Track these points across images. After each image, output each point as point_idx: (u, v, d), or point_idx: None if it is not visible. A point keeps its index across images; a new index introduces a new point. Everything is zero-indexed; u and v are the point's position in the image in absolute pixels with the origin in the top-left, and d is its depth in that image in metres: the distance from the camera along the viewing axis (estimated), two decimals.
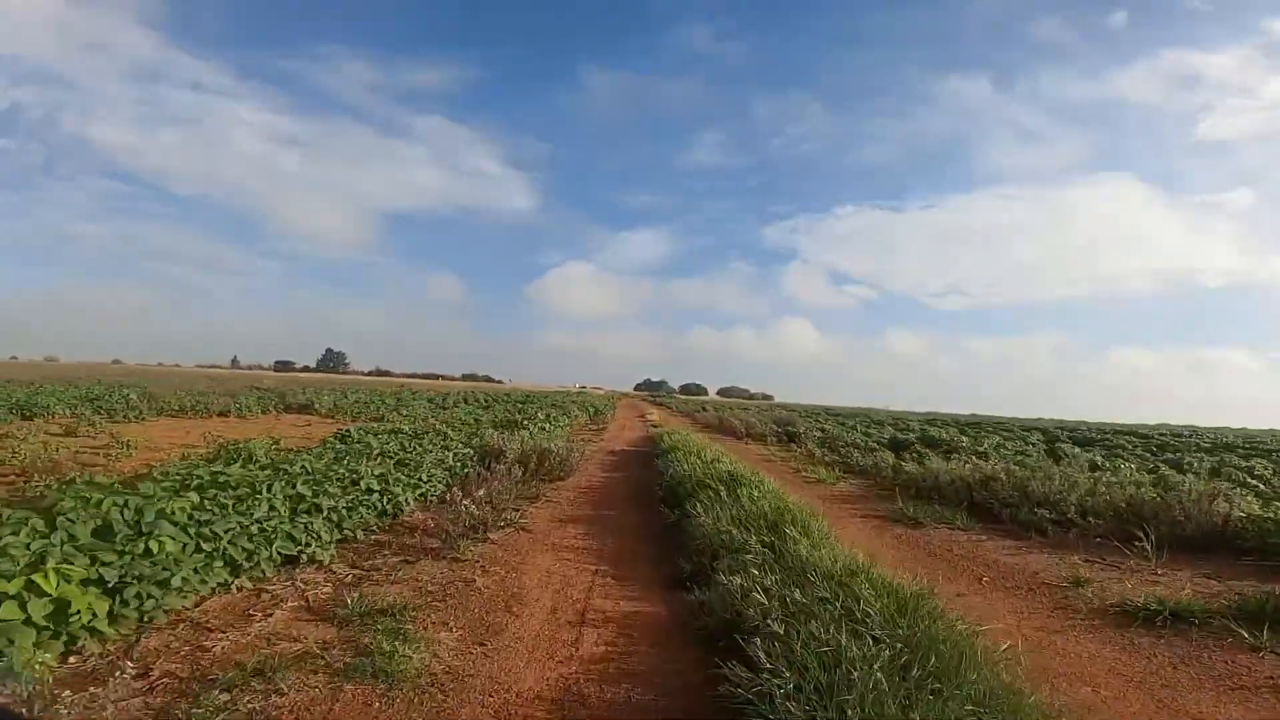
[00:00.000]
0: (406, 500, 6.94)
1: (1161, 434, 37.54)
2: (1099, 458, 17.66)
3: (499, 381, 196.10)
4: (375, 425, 14.39)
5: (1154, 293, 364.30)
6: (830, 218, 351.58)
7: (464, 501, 6.63)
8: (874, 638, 3.25)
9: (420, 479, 7.69)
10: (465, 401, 30.47)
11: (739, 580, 4.14)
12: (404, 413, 21.29)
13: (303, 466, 6.33)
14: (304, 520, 5.20)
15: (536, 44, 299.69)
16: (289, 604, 4.29)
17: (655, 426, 23.11)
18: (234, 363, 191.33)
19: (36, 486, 6.50)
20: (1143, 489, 8.37)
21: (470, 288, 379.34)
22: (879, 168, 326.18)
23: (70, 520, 3.76)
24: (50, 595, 3.19)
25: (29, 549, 3.36)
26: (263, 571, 4.65)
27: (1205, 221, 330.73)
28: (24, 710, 2.62)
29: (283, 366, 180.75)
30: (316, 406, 22.38)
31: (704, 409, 44.26)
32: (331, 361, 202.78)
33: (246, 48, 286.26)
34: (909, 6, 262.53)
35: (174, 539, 4.03)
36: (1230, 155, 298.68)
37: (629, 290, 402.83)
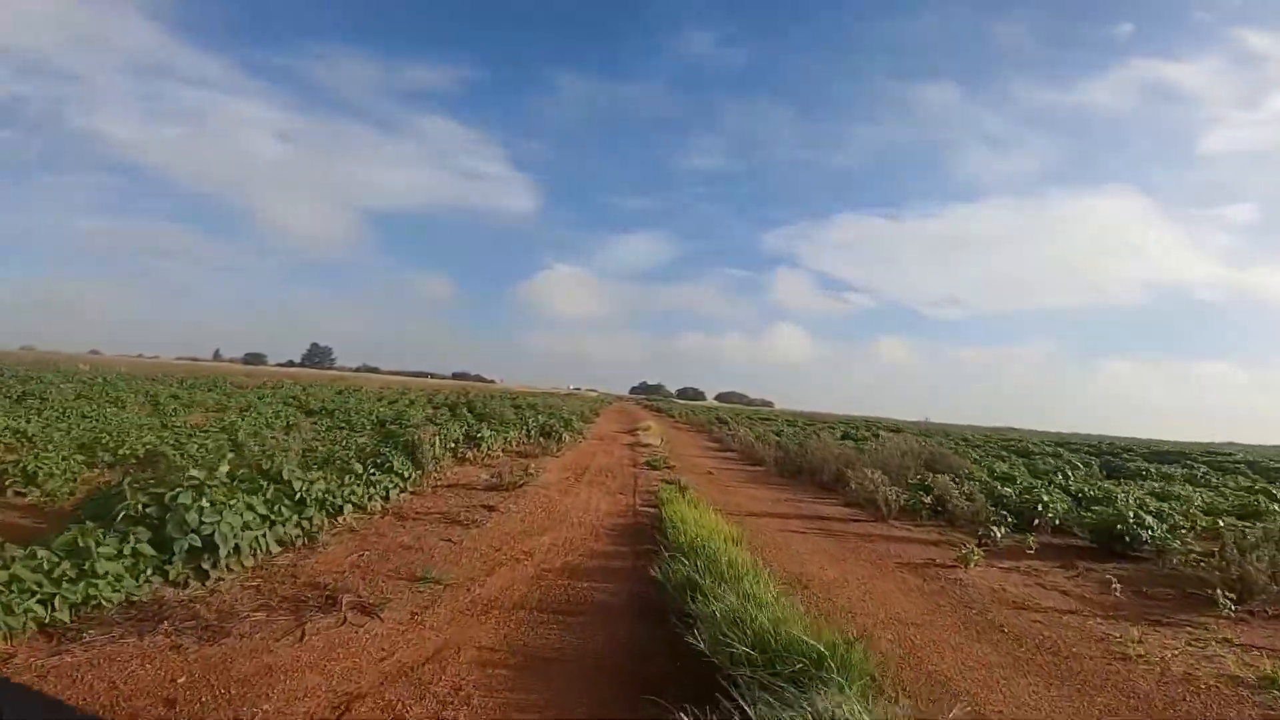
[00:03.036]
0: None
1: (1215, 454, 32.43)
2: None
3: (491, 381, 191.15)
4: None
5: (1146, 304, 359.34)
6: (829, 225, 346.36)
7: None
8: None
9: None
10: (338, 421, 24.85)
11: None
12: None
13: None
14: None
15: (537, 46, 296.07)
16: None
17: (656, 461, 14.89)
18: (216, 356, 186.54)
19: None
20: None
21: (464, 287, 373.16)
22: (878, 175, 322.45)
23: None
24: None
25: None
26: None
27: (1201, 235, 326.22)
28: None
29: (253, 360, 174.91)
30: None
31: (722, 421, 34.73)
32: (316, 357, 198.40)
33: (248, 45, 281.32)
34: (911, 15, 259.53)
35: None
36: (1230, 169, 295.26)
37: (624, 293, 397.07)
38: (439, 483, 10.13)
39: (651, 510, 8.95)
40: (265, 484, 5.85)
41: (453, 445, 12.46)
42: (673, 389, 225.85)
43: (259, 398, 23.09)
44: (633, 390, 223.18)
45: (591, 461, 14.56)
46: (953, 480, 11.10)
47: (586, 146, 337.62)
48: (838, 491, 12.29)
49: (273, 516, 5.53)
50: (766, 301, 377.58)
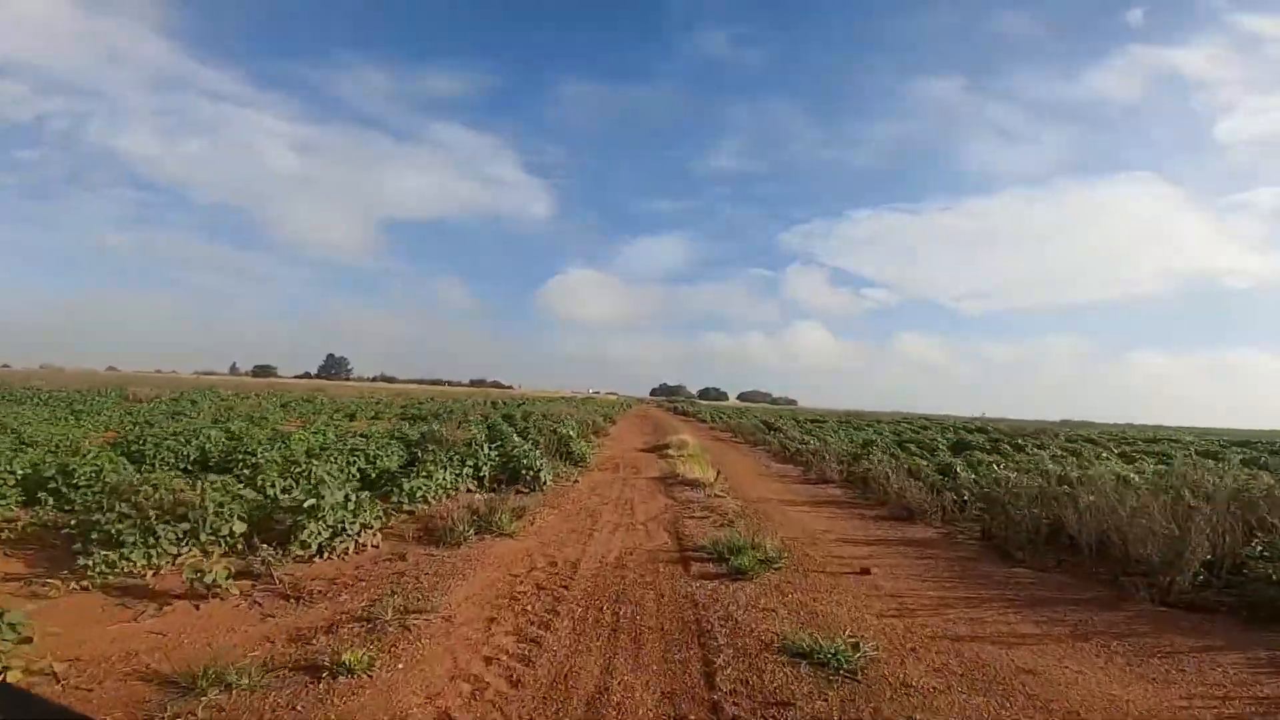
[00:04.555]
0: None
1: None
2: None
3: (509, 387, 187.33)
4: None
5: (1175, 294, 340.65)
6: (847, 221, 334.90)
7: None
8: None
9: None
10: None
11: None
12: None
13: None
14: None
15: (551, 51, 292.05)
16: None
17: (739, 547, 6.04)
18: (233, 369, 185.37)
19: None
20: None
21: (482, 294, 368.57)
22: (894, 171, 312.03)
23: None
24: None
25: None
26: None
27: (1229, 222, 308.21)
28: None
29: (262, 372, 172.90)
30: None
31: (771, 427, 25.81)
32: (333, 368, 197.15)
33: (263, 57, 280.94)
34: (919, 10, 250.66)
35: None
36: (1255, 155, 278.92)
37: (642, 295, 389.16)
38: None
39: None
40: None
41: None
42: (694, 390, 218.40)
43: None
44: (653, 392, 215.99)
45: (589, 543, 6.78)
46: None
47: (604, 150, 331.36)
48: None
49: None
50: (786, 300, 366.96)
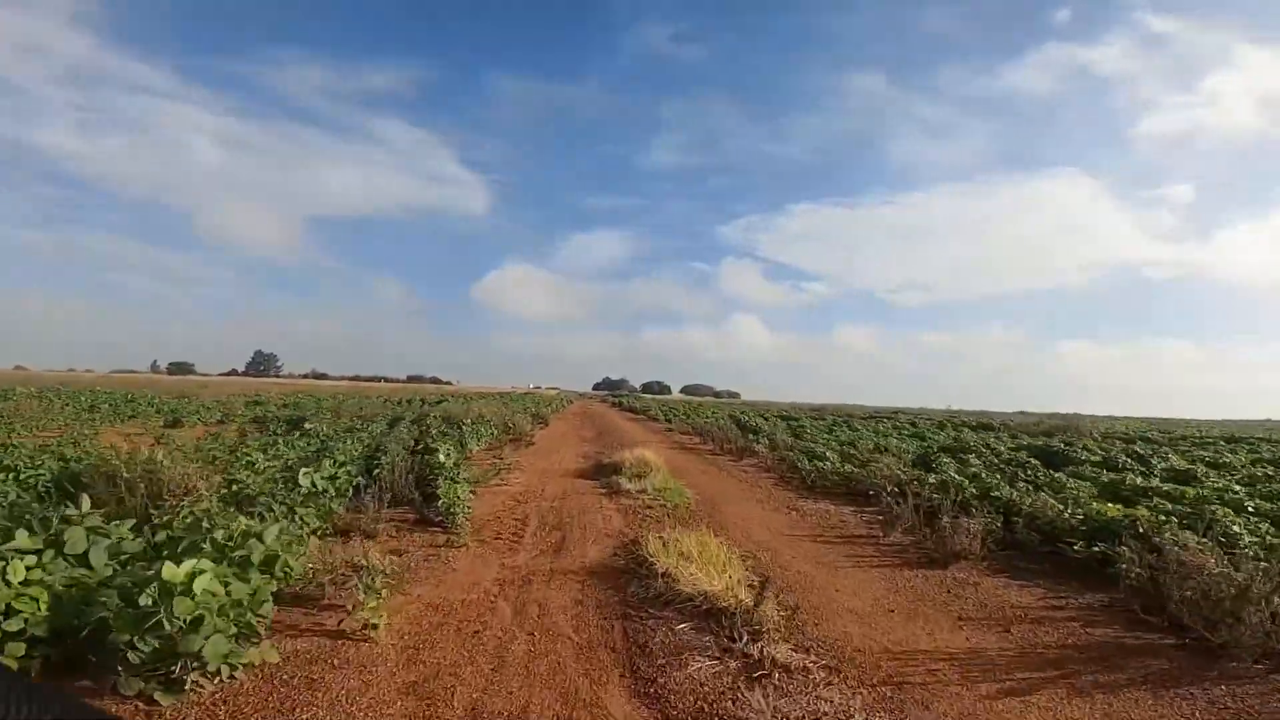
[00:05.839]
0: None
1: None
2: None
3: (447, 383, 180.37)
4: None
5: (1099, 286, 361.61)
6: (786, 215, 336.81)
7: None
8: None
9: None
10: None
11: None
12: None
13: None
14: None
15: (489, 47, 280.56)
16: None
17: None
18: (153, 367, 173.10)
19: None
20: None
21: (418, 289, 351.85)
22: (831, 166, 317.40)
23: None
24: None
25: None
26: None
27: (1148, 215, 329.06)
28: None
29: (178, 369, 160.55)
30: None
31: (751, 428, 20.77)
32: (261, 364, 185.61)
33: (190, 52, 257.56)
34: (849, 9, 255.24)
35: None
36: (1171, 150, 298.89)
37: (583, 291, 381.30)
38: None
39: None
40: None
41: None
42: (636, 384, 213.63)
43: None
44: (595, 386, 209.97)
45: None
46: None
47: (544, 146, 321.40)
48: None
49: None
50: (726, 294, 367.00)
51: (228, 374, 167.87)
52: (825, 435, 19.92)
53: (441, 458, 7.67)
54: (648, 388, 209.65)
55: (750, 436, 18.33)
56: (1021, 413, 50.33)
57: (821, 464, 10.74)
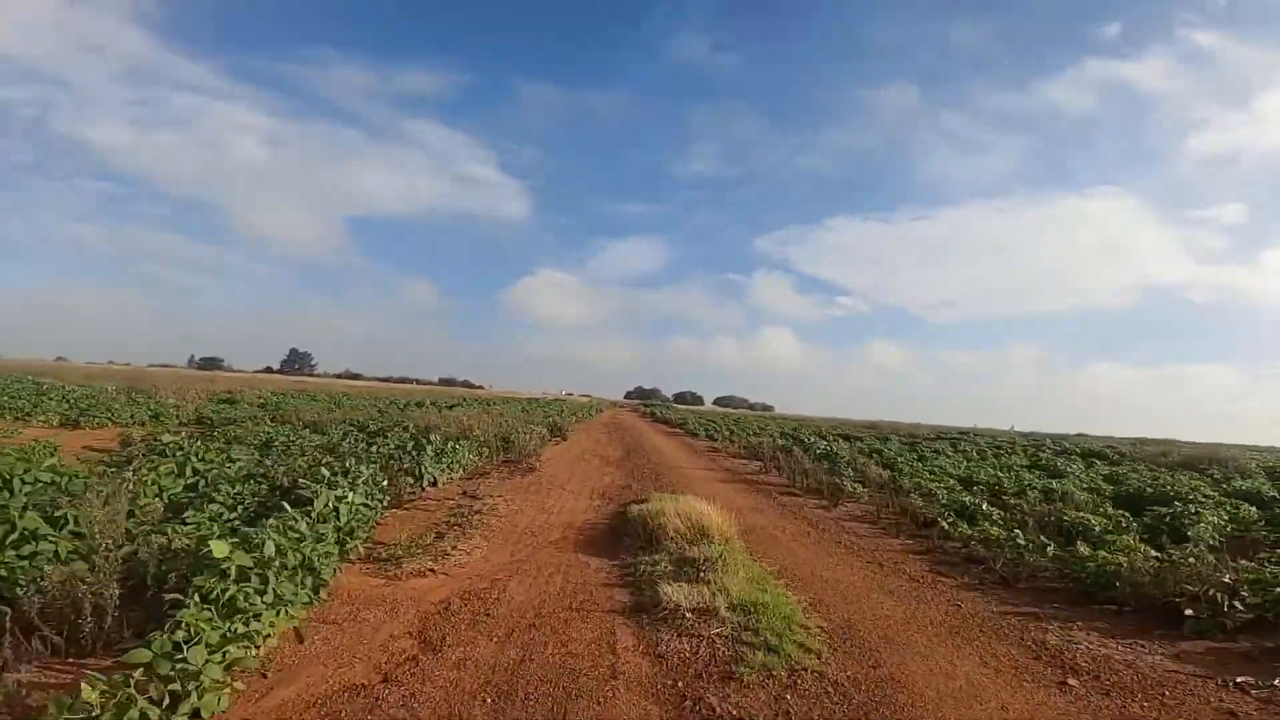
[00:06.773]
0: None
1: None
2: None
3: (479, 387, 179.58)
4: None
5: (1137, 306, 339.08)
6: (821, 229, 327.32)
7: None
8: None
9: None
10: None
11: None
12: None
13: None
14: None
15: (529, 52, 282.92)
16: None
17: None
18: (190, 361, 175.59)
19: None
20: None
21: (453, 293, 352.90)
22: (868, 180, 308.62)
23: None
24: None
25: None
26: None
27: (1195, 236, 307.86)
28: None
29: (209, 365, 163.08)
30: None
31: (828, 455, 17.79)
32: (296, 362, 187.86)
33: (239, 51, 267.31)
34: (886, 22, 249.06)
35: None
36: (1222, 170, 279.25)
37: (617, 298, 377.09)
38: None
39: None
40: None
41: None
42: (669, 393, 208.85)
43: None
44: (628, 395, 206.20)
45: None
46: None
47: (579, 152, 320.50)
48: None
49: None
50: (756, 305, 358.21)
51: (262, 371, 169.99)
52: (918, 463, 15.46)
53: (270, 549, 3.58)
54: (680, 398, 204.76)
55: (826, 464, 14.06)
56: (1138, 440, 43.69)
57: (993, 529, 6.49)
